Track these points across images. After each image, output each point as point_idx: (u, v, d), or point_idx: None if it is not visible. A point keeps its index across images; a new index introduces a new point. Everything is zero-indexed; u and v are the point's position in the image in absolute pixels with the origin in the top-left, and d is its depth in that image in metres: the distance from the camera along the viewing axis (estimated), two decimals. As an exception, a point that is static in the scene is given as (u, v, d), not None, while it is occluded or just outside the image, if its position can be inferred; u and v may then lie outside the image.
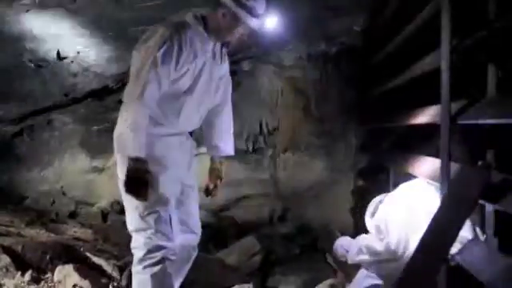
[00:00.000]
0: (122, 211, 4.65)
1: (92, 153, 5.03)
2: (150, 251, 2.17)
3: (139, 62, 2.08)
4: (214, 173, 2.44)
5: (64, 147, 5.05)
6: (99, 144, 4.97)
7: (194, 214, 2.43)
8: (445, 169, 1.75)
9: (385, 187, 3.23)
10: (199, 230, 2.44)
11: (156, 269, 2.15)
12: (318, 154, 4.66)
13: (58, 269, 2.52)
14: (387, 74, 3.45)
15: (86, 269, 2.58)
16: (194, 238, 2.42)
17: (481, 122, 1.69)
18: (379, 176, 4.03)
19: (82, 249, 2.88)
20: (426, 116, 2.30)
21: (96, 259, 2.74)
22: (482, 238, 1.92)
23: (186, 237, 2.38)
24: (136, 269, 2.20)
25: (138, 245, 2.20)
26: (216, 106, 2.40)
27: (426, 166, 2.25)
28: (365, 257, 2.47)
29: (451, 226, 1.40)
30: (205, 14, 2.23)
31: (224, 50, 2.34)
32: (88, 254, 2.78)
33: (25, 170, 4.91)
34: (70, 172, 5.04)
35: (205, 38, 2.20)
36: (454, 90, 1.76)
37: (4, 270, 2.47)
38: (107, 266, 2.69)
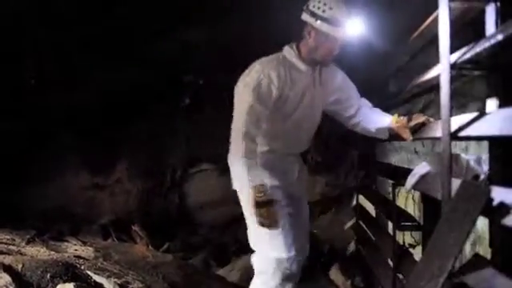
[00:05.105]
0: (122, 229, 4.64)
1: (93, 170, 5.04)
2: (266, 264, 2.38)
3: (239, 98, 2.32)
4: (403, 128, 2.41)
5: (65, 164, 5.06)
6: (101, 161, 4.98)
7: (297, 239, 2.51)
8: (446, 184, 1.74)
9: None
10: (302, 253, 2.55)
11: (273, 281, 2.36)
12: (321, 171, 4.66)
13: (59, 287, 2.50)
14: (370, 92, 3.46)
15: (87, 287, 2.56)
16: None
17: (481, 135, 1.69)
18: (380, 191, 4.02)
19: (82, 267, 2.86)
20: (426, 131, 2.29)
21: (97, 277, 2.72)
22: (485, 253, 1.91)
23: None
24: (254, 281, 2.47)
25: (256, 259, 2.46)
26: (349, 113, 2.59)
27: (427, 182, 2.24)
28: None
29: (453, 242, 1.39)
30: (299, 43, 2.39)
31: (324, 72, 2.46)
32: (89, 273, 2.76)
33: (26, 186, 4.91)
34: (71, 189, 5.04)
35: (300, 67, 2.37)
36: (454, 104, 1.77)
37: (4, 288, 2.45)
38: (108, 285, 2.66)
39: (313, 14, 2.24)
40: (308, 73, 2.40)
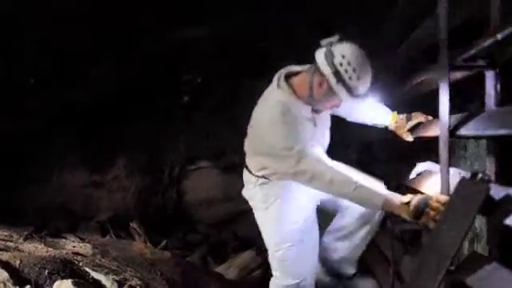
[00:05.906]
0: (120, 226, 4.64)
1: (91, 167, 5.04)
2: None
3: (285, 156, 2.01)
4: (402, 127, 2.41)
5: (63, 161, 5.05)
6: (99, 158, 4.97)
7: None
8: (445, 182, 1.75)
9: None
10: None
11: None
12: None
13: (57, 284, 2.50)
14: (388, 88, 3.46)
15: (85, 284, 2.56)
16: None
17: (480, 134, 1.69)
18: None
19: (80, 264, 2.86)
20: (425, 129, 2.30)
21: (95, 274, 2.72)
22: (483, 251, 1.91)
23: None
24: None
25: (271, 283, 2.49)
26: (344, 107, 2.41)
27: (426, 180, 2.25)
28: None
29: (451, 240, 1.39)
30: (292, 74, 2.15)
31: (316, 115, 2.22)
32: (87, 269, 2.76)
33: (24, 184, 4.90)
34: (69, 186, 5.03)
35: (306, 114, 2.14)
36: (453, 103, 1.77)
37: (2, 285, 2.45)
38: (106, 281, 2.67)
39: (336, 73, 1.92)
40: (308, 110, 2.15)
